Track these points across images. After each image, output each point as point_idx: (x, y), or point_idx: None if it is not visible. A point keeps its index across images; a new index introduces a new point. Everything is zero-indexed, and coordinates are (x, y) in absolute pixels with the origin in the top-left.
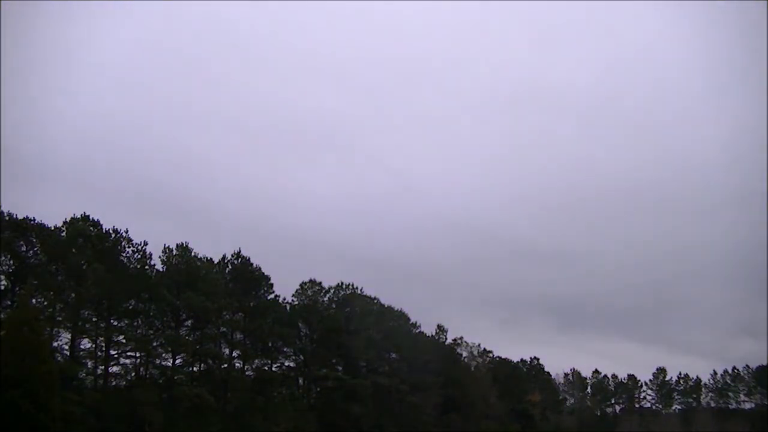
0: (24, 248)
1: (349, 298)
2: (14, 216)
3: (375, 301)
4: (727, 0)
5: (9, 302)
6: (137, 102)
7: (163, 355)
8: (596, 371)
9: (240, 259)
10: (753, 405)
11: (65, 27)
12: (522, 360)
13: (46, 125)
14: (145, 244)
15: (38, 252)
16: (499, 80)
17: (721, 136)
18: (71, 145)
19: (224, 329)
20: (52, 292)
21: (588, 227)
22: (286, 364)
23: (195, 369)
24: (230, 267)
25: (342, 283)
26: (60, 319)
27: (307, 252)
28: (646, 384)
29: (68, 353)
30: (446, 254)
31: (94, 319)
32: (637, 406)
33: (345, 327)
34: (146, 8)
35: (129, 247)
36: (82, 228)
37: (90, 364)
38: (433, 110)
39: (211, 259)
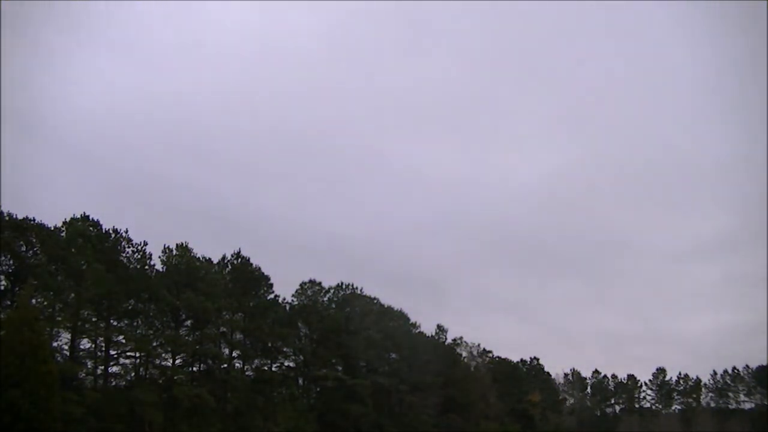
0: (24, 248)
1: (349, 298)
2: (14, 216)
3: (375, 301)
4: (727, 0)
5: (9, 302)
6: (137, 101)
7: (163, 355)
8: (596, 371)
9: (240, 259)
10: (753, 405)
11: (65, 27)
12: (522, 360)
13: (46, 125)
14: (145, 244)
15: (38, 252)
16: (498, 75)
17: (721, 137)
18: (71, 144)
19: (224, 329)
20: (52, 292)
21: (588, 229)
22: (286, 364)
23: (195, 369)
24: (230, 267)
25: (342, 283)
26: (60, 319)
27: (307, 252)
28: (645, 384)
29: (68, 353)
30: (446, 254)
31: (94, 319)
32: (636, 406)
33: (345, 327)
34: (144, 7)
35: (129, 247)
36: (82, 228)
37: (90, 364)
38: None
39: (210, 259)
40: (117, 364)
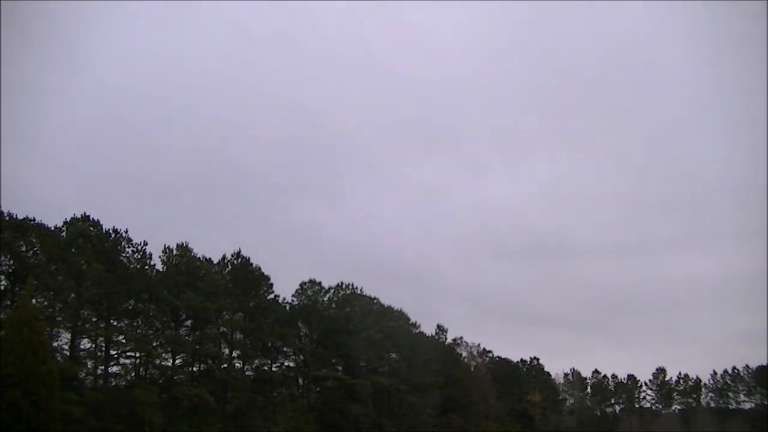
0: (24, 248)
1: (349, 298)
2: (14, 216)
3: (375, 301)
4: (727, 0)
5: (9, 302)
6: (136, 100)
7: (163, 355)
8: (596, 371)
9: (240, 259)
10: (753, 405)
11: (65, 27)
12: (522, 360)
13: (46, 125)
14: (145, 244)
15: (38, 252)
16: (499, 72)
17: (721, 137)
18: (71, 143)
19: (224, 329)
20: (52, 292)
21: (589, 226)
22: (286, 364)
23: (195, 369)
24: (230, 267)
25: (342, 283)
26: (60, 319)
27: (307, 252)
28: (645, 384)
29: (68, 353)
30: (447, 254)
31: (94, 319)
32: (637, 406)
33: (345, 327)
34: (144, 7)
35: (129, 247)
36: (82, 228)
37: (90, 364)
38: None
39: (210, 259)
40: (117, 364)
